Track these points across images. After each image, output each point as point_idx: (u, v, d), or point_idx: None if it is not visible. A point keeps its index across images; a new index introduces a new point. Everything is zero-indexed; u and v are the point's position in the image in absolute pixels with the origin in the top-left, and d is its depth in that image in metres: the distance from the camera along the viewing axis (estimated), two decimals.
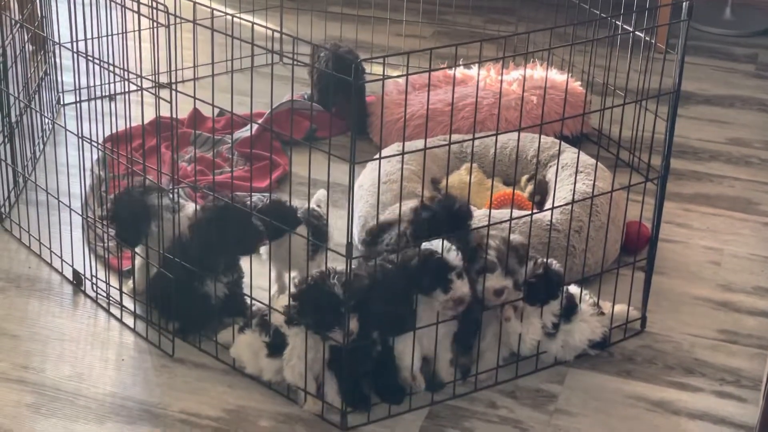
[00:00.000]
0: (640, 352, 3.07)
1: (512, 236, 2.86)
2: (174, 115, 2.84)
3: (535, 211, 3.10)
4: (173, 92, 2.78)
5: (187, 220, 2.96)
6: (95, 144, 3.06)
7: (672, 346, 3.10)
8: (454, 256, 2.69)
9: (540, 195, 3.55)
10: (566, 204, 3.11)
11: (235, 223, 2.87)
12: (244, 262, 2.96)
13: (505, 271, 2.77)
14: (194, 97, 2.78)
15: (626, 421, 2.81)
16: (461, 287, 2.68)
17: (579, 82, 4.23)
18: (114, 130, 3.15)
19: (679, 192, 3.91)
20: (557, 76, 4.21)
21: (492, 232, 2.81)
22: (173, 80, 2.76)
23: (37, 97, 3.91)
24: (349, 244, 2.56)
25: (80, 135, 3.09)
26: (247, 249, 2.91)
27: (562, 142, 3.72)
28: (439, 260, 2.68)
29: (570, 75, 4.23)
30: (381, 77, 2.81)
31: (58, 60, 4.27)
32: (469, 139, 2.75)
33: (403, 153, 2.65)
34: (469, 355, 2.92)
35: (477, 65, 4.17)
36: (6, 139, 3.59)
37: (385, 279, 2.64)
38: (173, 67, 2.76)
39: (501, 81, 3.19)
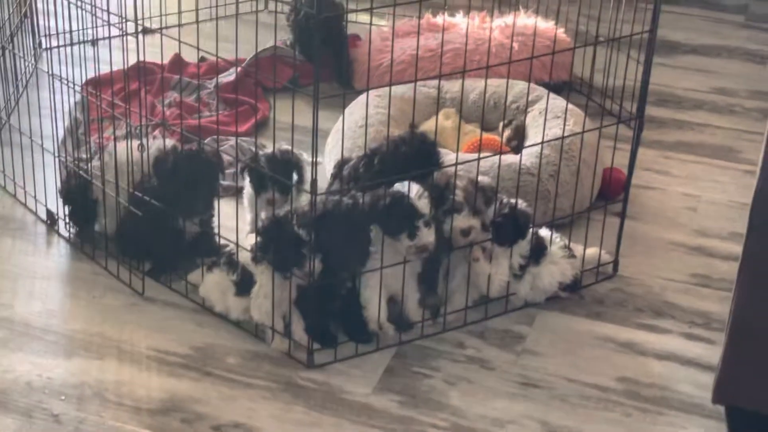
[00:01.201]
0: (610, 295, 3.07)
1: (481, 178, 2.85)
2: (142, 58, 2.84)
3: (503, 151, 3.08)
4: (139, 36, 2.78)
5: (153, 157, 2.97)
6: (67, 83, 3.05)
7: (643, 289, 3.10)
8: (423, 204, 2.68)
9: (517, 140, 3.54)
10: (536, 144, 3.09)
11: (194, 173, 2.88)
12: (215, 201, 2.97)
13: (472, 212, 2.77)
14: (161, 33, 2.76)
15: (593, 361, 2.82)
16: (427, 236, 2.68)
17: (563, 29, 4.20)
18: (94, 75, 3.13)
19: (661, 140, 3.89)
20: (542, 24, 4.18)
21: (460, 173, 2.81)
22: (141, 23, 2.75)
23: (15, 40, 3.89)
24: (314, 181, 2.56)
25: (50, 73, 3.08)
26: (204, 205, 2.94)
27: (541, 88, 3.71)
28: (408, 205, 2.67)
29: (555, 23, 4.21)
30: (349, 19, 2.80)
31: (38, 3, 4.25)
32: (435, 77, 2.73)
33: (368, 89, 2.64)
34: (435, 294, 2.92)
35: (444, 11, 4.15)
36: None
37: (341, 212, 2.64)
38: (143, 9, 2.75)
39: (467, 25, 3.16)
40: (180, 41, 2.80)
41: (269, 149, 3.08)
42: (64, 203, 3.20)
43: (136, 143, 2.99)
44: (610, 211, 3.14)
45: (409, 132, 2.87)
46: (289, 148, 3.08)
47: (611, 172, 3.41)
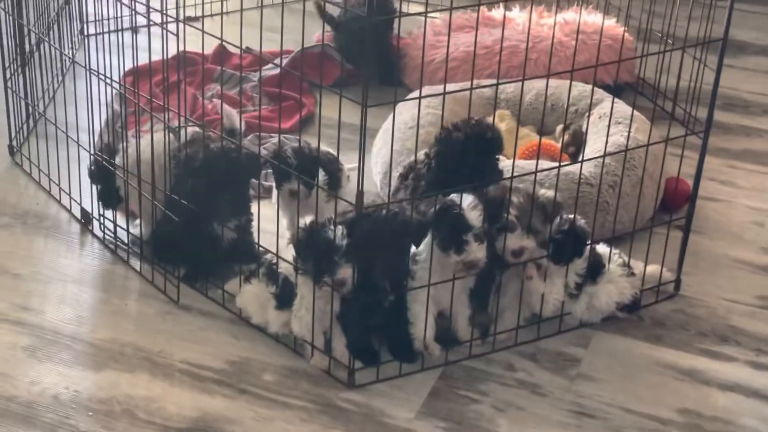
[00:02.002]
0: (672, 316, 2.89)
1: (543, 191, 2.67)
2: (184, 48, 2.69)
3: (564, 163, 2.90)
4: (180, 24, 2.62)
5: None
6: (104, 78, 2.89)
7: (706, 311, 2.91)
8: (475, 216, 2.51)
9: (575, 146, 3.36)
10: (596, 158, 2.90)
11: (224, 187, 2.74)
12: (253, 206, 2.83)
13: (527, 231, 2.59)
14: (202, 31, 2.61)
15: (652, 389, 2.64)
16: (476, 251, 2.50)
17: (625, 28, 4.00)
18: (133, 65, 2.97)
19: (726, 147, 3.69)
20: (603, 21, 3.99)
21: (519, 186, 2.63)
22: (180, 15, 2.60)
23: (56, 27, 3.75)
24: (360, 193, 2.40)
25: (87, 67, 2.94)
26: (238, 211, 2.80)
27: (602, 91, 3.52)
28: (458, 216, 2.50)
29: (617, 20, 4.02)
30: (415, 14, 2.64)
31: None
32: (492, 85, 2.56)
33: (420, 96, 2.47)
34: (486, 312, 2.76)
35: (503, 6, 3.98)
36: (19, 69, 3.45)
37: (379, 222, 2.48)
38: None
39: (518, 21, 2.98)
40: (222, 40, 2.65)
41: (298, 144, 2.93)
42: (91, 182, 3.05)
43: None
44: (672, 225, 2.95)
45: (464, 119, 2.70)
46: (327, 150, 2.94)
47: (677, 183, 3.21)
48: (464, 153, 2.56)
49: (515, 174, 2.61)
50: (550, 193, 2.67)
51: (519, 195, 2.60)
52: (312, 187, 2.80)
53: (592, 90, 3.09)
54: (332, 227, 2.46)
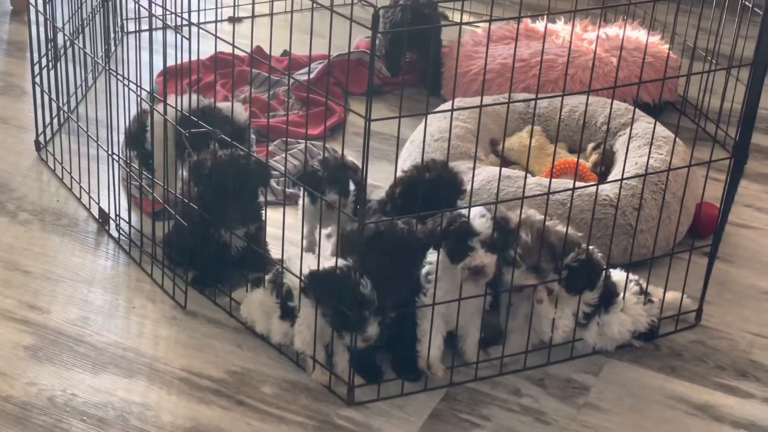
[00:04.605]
0: (690, 347, 2.79)
1: (558, 228, 2.58)
2: (197, 57, 2.66)
3: (580, 185, 2.80)
4: (195, 28, 2.59)
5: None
6: (128, 84, 2.84)
7: (727, 343, 2.81)
8: (481, 223, 2.45)
9: (605, 166, 3.27)
10: (616, 180, 2.82)
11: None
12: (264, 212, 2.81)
13: (533, 270, 2.52)
14: (215, 35, 2.57)
15: (661, 424, 2.54)
16: (482, 257, 2.44)
17: (667, 45, 3.89)
18: (167, 64, 2.93)
19: (766, 173, 3.56)
20: (646, 37, 3.89)
21: (535, 219, 2.55)
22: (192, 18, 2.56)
23: (93, 22, 3.74)
24: (362, 208, 2.35)
25: (107, 67, 2.92)
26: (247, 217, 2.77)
27: (637, 110, 3.42)
28: (463, 223, 2.45)
29: (661, 37, 3.92)
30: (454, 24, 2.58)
31: None
32: (531, 99, 2.49)
33: (426, 113, 2.40)
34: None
35: (545, 18, 3.90)
36: (51, 64, 3.44)
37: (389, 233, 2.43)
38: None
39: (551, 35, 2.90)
40: (233, 45, 2.60)
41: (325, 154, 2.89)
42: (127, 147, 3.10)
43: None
44: (699, 251, 2.85)
45: (431, 160, 2.67)
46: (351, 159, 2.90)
47: (701, 206, 3.10)
48: (418, 195, 2.49)
49: (527, 193, 2.54)
50: (563, 229, 2.57)
51: (529, 231, 2.52)
52: (347, 196, 2.77)
53: (633, 111, 2.98)
54: (354, 274, 2.41)
